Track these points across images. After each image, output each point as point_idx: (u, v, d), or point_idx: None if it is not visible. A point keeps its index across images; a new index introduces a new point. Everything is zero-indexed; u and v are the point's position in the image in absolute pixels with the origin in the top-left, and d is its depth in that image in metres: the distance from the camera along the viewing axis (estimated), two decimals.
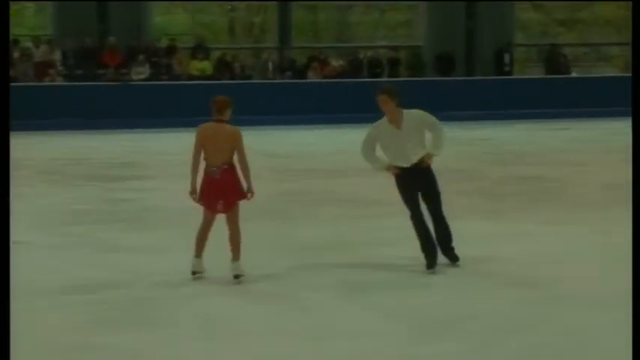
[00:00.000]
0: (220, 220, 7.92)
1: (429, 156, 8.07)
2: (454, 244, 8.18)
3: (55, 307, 7.06)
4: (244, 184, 7.85)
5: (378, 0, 29.57)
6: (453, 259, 8.19)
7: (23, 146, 19.19)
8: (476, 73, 26.75)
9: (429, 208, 8.15)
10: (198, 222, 10.33)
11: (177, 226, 10.11)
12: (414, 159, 8.01)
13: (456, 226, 10.09)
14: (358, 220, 10.53)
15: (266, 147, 17.74)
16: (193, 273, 7.90)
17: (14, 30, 26.47)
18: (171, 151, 18.08)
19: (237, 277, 7.76)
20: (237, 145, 7.84)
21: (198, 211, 11.01)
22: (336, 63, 25.08)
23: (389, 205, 11.49)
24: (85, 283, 7.72)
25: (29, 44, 24.73)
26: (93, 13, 25.15)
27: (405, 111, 8.00)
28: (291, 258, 8.59)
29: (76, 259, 8.70)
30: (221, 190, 7.77)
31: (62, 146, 19.07)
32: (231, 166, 7.83)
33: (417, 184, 8.04)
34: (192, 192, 7.93)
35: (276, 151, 17.35)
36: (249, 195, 7.84)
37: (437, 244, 8.15)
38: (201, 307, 7.07)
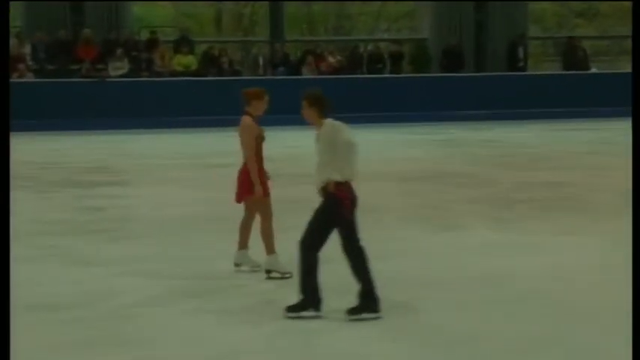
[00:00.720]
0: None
1: (328, 181, 7.10)
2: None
3: (25, 327, 7.05)
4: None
5: None
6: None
7: None
8: (486, 69, 26.82)
9: None
10: (181, 232, 10.42)
11: (159, 237, 10.12)
12: (317, 183, 7.19)
13: (462, 236, 10.16)
14: (361, 229, 10.53)
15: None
16: (236, 265, 8.50)
17: None
18: (152, 155, 18.11)
19: (268, 272, 8.33)
20: (243, 139, 8.44)
21: (180, 221, 11.07)
22: (333, 59, 25.12)
23: (392, 213, 11.58)
24: (59, 300, 7.71)
25: None
26: (66, 2, 25.17)
27: (325, 121, 7.36)
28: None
29: (48, 273, 8.69)
30: (238, 182, 8.45)
31: (32, 149, 19.06)
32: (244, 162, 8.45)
33: None
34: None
35: (267, 154, 17.34)
36: (257, 194, 8.36)
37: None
38: (186, 325, 7.07)
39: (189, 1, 28.68)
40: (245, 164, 8.44)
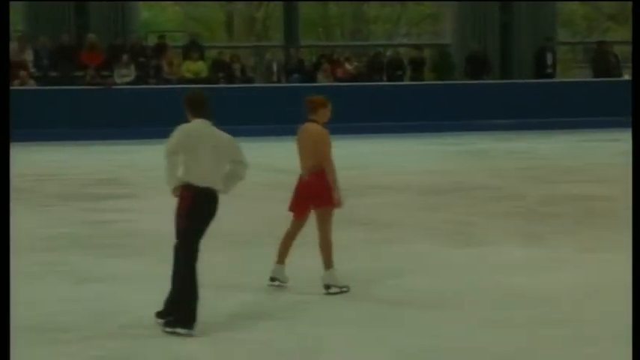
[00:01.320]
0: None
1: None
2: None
3: (26, 348, 7.08)
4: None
5: None
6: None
7: None
8: (512, 76, 26.80)
9: None
10: None
11: (166, 253, 10.13)
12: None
13: (485, 252, 10.17)
14: (379, 246, 10.56)
15: (270, 161, 17.79)
16: (272, 279, 8.60)
17: None
18: (159, 166, 18.11)
19: (326, 287, 8.45)
20: (320, 147, 8.45)
21: None
22: (350, 66, 25.12)
23: (413, 228, 11.58)
24: (61, 319, 7.74)
25: None
26: (70, 6, 25.29)
27: None
28: (300, 290, 8.60)
29: (50, 291, 8.73)
30: (303, 194, 8.53)
31: (34, 160, 19.14)
32: (321, 171, 8.43)
33: None
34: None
35: (281, 166, 17.37)
36: (336, 203, 8.43)
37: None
38: (193, 345, 7.09)
39: (199, 0, 28.73)
40: (314, 174, 8.47)
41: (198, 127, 7.66)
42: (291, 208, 8.73)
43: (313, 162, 8.47)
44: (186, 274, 7.39)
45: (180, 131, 7.60)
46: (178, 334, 7.19)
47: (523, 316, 7.76)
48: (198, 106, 7.77)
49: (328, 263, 8.53)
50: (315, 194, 8.45)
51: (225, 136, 7.75)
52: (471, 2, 26.83)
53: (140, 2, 26.81)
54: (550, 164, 18.07)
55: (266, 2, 30.03)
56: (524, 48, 26.84)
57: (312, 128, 8.57)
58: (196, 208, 7.45)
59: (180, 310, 7.32)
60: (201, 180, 7.46)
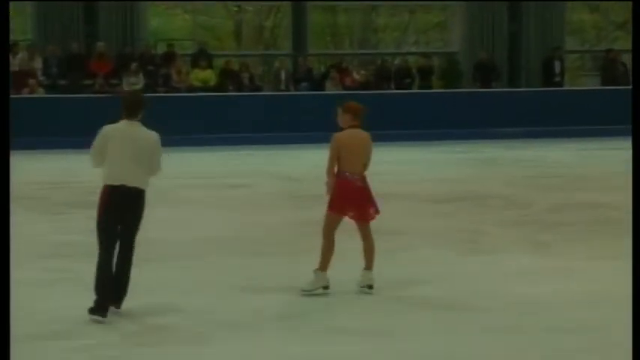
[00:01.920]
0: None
1: None
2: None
3: (32, 356, 7.07)
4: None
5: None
6: None
7: None
8: (521, 84, 26.78)
9: None
10: (201, 255, 10.42)
11: (175, 261, 10.14)
12: None
13: (495, 260, 10.16)
14: (388, 253, 10.54)
15: (278, 168, 17.80)
16: (325, 287, 8.66)
17: None
18: (170, 174, 18.08)
19: (370, 287, 8.65)
20: (370, 152, 8.80)
21: (200, 244, 11.08)
22: (357, 75, 25.11)
23: (423, 236, 11.56)
24: (69, 327, 7.73)
25: None
26: (79, 14, 25.33)
27: None
28: (310, 298, 8.59)
29: (58, 298, 8.72)
30: (358, 197, 8.74)
31: (43, 168, 19.18)
32: (365, 176, 8.77)
33: None
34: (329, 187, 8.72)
35: (289, 174, 17.40)
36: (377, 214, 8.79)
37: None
38: (210, 351, 7.08)
39: (208, 0, 28.75)
40: (365, 179, 8.79)
41: (118, 127, 8.16)
42: (338, 208, 8.71)
43: (362, 167, 8.81)
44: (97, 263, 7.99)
45: (99, 133, 8.26)
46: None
47: (532, 323, 7.74)
48: (126, 107, 8.24)
49: (371, 264, 8.82)
50: (369, 199, 8.84)
51: (148, 136, 8.12)
52: (479, 11, 26.81)
53: (149, 11, 26.82)
54: (559, 172, 18.03)
55: (275, 11, 30.05)
56: (533, 56, 26.81)
57: (364, 134, 8.89)
58: (107, 205, 7.97)
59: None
60: (114, 178, 7.98)
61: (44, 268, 9.92)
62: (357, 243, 9.10)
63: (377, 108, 24.29)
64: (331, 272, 8.73)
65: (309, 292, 8.61)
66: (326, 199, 8.72)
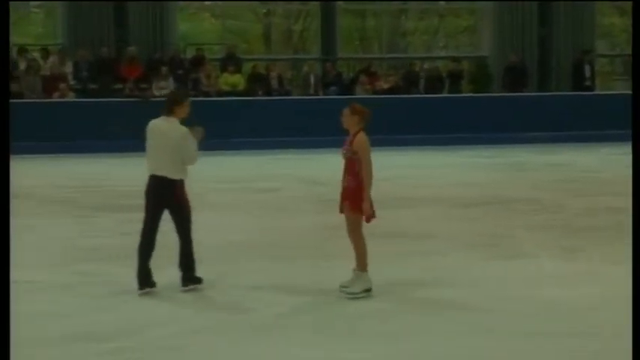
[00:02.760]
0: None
1: None
2: None
3: (62, 358, 7.13)
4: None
5: (436, 0, 29.63)
6: None
7: (28, 171, 19.48)
8: (550, 88, 26.68)
9: None
10: (229, 260, 10.48)
11: (206, 264, 10.18)
12: None
13: (524, 265, 10.15)
14: (414, 257, 10.56)
15: (306, 173, 17.85)
16: (367, 290, 8.71)
17: (20, 38, 26.95)
18: (199, 178, 18.16)
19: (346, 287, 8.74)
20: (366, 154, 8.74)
21: (229, 248, 11.14)
22: (385, 83, 25.09)
23: (451, 240, 11.56)
24: (99, 330, 7.80)
25: (38, 54, 25.07)
26: (109, 19, 25.49)
27: None
28: (334, 301, 8.62)
29: (88, 301, 8.79)
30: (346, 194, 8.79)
31: (72, 171, 19.32)
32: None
33: None
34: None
35: (317, 178, 17.42)
36: (365, 216, 8.71)
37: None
38: (234, 354, 7.12)
39: (235, 1, 28.82)
40: (361, 182, 8.71)
41: (155, 122, 9.10)
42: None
43: None
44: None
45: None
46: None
47: (555, 328, 7.74)
48: (165, 105, 9.10)
49: (360, 266, 8.80)
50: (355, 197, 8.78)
51: (176, 131, 8.87)
52: (509, 14, 26.75)
53: (178, 15, 26.96)
54: (588, 177, 17.97)
55: (304, 15, 30.11)
56: (563, 60, 26.72)
57: (364, 138, 8.84)
58: (147, 192, 8.92)
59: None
60: (149, 169, 8.89)
61: (73, 272, 10.00)
62: (378, 246, 9.08)
63: (406, 112, 24.38)
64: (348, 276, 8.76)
65: (354, 296, 8.70)
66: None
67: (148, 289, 8.89)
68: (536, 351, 7.19)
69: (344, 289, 8.73)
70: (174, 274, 9.27)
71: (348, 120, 8.84)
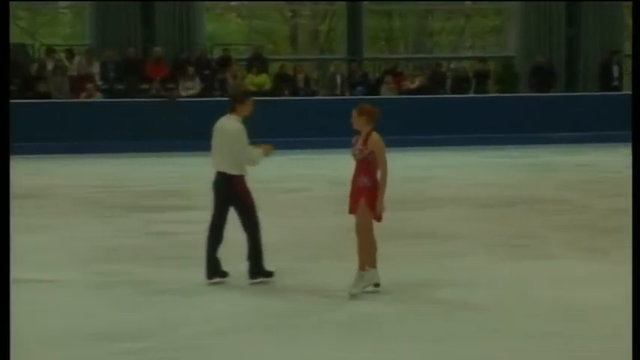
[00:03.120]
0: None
1: None
2: None
3: (88, 358, 7.17)
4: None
5: (463, 0, 29.57)
6: None
7: (56, 171, 19.59)
8: (578, 89, 26.56)
9: None
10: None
11: (230, 265, 10.21)
12: None
13: (549, 265, 10.12)
14: (439, 258, 10.55)
15: (332, 173, 17.82)
16: (376, 285, 8.77)
17: (48, 39, 27.11)
18: None
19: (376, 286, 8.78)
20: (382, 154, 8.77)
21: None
22: (412, 84, 25.06)
23: (475, 241, 11.54)
24: (124, 330, 7.83)
25: (64, 55, 25.21)
26: (137, 19, 25.59)
27: None
28: (355, 301, 8.62)
29: (113, 301, 8.83)
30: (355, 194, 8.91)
31: (99, 171, 19.40)
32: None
33: None
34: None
35: (341, 178, 17.40)
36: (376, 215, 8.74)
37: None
38: (258, 357, 7.13)
39: (262, 1, 28.86)
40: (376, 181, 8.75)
41: (220, 120, 9.53)
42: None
43: None
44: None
45: None
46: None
47: (579, 330, 7.70)
48: (228, 103, 9.51)
49: (363, 265, 8.83)
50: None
51: (229, 128, 9.32)
52: (536, 14, 26.66)
53: (205, 16, 27.04)
54: (615, 177, 17.87)
55: (330, 15, 30.13)
56: (591, 60, 26.60)
57: (378, 137, 8.85)
58: (213, 188, 9.42)
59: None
60: (216, 165, 9.40)
61: (97, 271, 10.04)
62: (403, 247, 9.07)
63: (432, 112, 24.34)
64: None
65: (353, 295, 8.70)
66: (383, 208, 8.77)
67: (217, 279, 9.23)
68: (560, 352, 7.16)
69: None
70: (197, 274, 9.31)
71: (357, 121, 8.90)
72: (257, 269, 9.24)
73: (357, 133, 8.94)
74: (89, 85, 23.60)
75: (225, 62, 24.99)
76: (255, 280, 9.20)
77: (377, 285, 8.80)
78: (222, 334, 7.69)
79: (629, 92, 26.83)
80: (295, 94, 24.61)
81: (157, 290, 9.17)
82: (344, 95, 24.76)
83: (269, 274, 9.29)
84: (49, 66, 24.14)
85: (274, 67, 25.97)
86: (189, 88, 24.08)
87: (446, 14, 30.27)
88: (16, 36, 27.31)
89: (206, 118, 26.23)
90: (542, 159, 20.99)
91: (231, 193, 9.26)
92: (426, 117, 23.53)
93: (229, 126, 9.29)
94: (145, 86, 24.25)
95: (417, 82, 25.18)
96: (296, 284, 9.36)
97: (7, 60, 7.31)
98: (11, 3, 28.01)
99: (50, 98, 23.28)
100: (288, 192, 16.09)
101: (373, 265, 8.78)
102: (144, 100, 23.84)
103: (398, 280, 8.83)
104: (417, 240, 11.38)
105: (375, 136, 8.78)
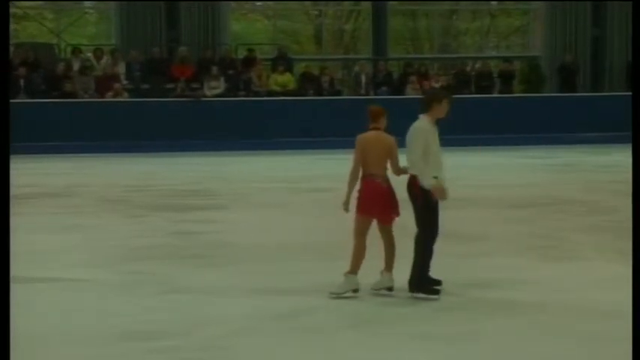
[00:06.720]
0: None
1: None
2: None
3: (113, 357, 7.14)
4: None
5: (488, 0, 29.46)
6: None
7: (81, 171, 19.62)
8: (604, 89, 26.41)
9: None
10: (278, 261, 10.44)
11: (255, 265, 10.17)
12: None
13: (576, 267, 10.01)
14: (465, 259, 10.46)
15: None
16: (354, 291, 8.65)
17: (74, 39, 27.20)
18: (249, 178, 18.25)
19: (389, 289, 8.68)
20: (394, 155, 8.65)
21: (278, 248, 11.11)
22: (436, 84, 24.97)
23: (501, 241, 11.45)
24: (149, 329, 7.79)
25: (90, 55, 25.30)
26: (161, 19, 25.64)
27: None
28: (398, 302, 8.56)
29: (138, 300, 8.80)
30: (385, 199, 8.65)
31: (125, 171, 19.42)
32: (388, 178, 8.70)
33: None
34: (346, 203, 8.74)
35: None
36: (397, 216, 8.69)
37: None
38: (281, 357, 7.08)
39: (287, 0, 28.87)
40: (388, 182, 8.71)
41: (365, 135, 8.81)
42: (366, 210, 8.66)
43: (385, 169, 8.71)
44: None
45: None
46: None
47: (602, 331, 7.62)
48: (423, 102, 8.88)
49: (391, 266, 8.75)
50: (394, 201, 8.69)
51: (416, 127, 8.65)
52: (561, 14, 26.52)
53: (230, 16, 27.05)
54: None
55: (355, 16, 30.07)
56: (616, 59, 26.43)
57: (385, 136, 8.75)
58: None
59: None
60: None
61: (124, 271, 10.02)
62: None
63: (457, 112, 24.15)
64: (396, 276, 8.69)
65: (337, 295, 8.61)
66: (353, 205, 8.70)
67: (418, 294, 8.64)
68: (591, 354, 7.08)
69: (376, 290, 8.74)
70: (224, 273, 9.26)
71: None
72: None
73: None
74: (115, 85, 23.66)
75: (250, 62, 24.99)
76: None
77: (355, 291, 8.69)
78: (246, 334, 7.64)
79: None
80: (320, 94, 24.56)
81: (182, 290, 9.13)
82: (368, 95, 24.69)
83: (436, 283, 8.83)
84: (75, 66, 24.20)
85: (299, 67, 25.93)
86: (214, 88, 24.08)
87: (471, 14, 30.17)
88: (42, 36, 27.42)
89: (231, 117, 26.48)
90: (568, 159, 20.87)
91: (412, 194, 8.60)
92: (451, 117, 23.37)
93: (415, 125, 8.66)
94: (170, 86, 24.29)
95: (440, 82, 25.08)
96: (320, 284, 9.29)
97: (7, 60, 7.27)
98: (38, 3, 28.22)
99: (76, 98, 23.34)
100: (311, 192, 16.06)
101: (352, 270, 8.70)
102: (169, 100, 23.88)
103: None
104: (442, 240, 11.28)
105: (359, 135, 8.86)
